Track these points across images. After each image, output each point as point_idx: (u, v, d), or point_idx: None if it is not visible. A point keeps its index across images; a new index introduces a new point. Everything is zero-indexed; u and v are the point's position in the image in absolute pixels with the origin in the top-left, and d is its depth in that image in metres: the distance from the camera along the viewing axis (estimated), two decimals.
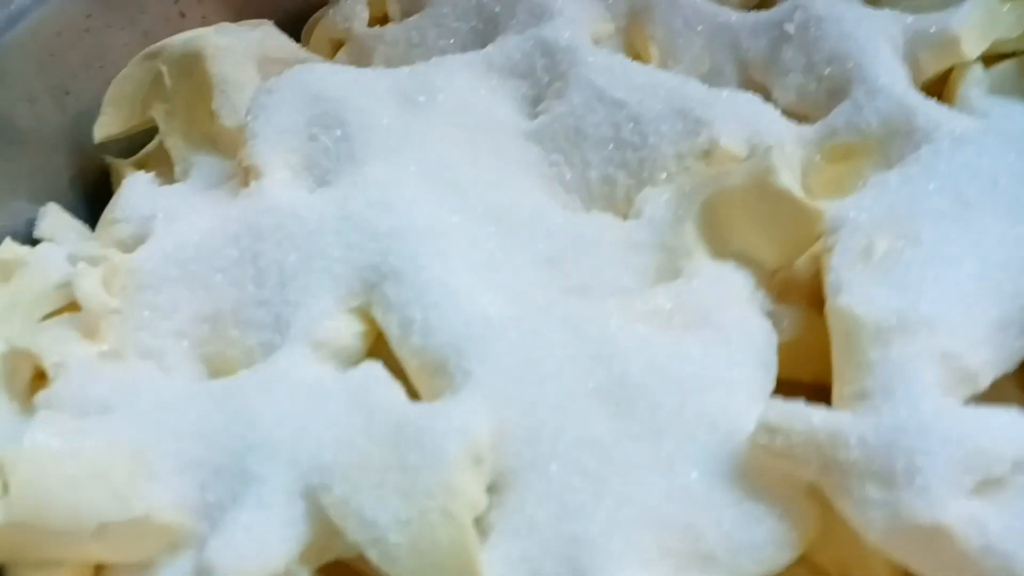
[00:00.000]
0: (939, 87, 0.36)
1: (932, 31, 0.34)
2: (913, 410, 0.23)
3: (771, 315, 0.29)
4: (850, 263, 0.27)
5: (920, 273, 0.26)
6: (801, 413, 0.24)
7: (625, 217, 0.32)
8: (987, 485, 0.22)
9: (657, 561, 0.23)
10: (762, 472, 0.24)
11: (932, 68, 0.35)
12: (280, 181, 0.30)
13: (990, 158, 0.28)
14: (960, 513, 0.21)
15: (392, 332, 0.27)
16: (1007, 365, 0.26)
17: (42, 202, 0.36)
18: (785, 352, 0.28)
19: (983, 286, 0.26)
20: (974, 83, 0.35)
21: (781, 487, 0.24)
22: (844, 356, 0.26)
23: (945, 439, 0.22)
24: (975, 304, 0.26)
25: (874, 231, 0.28)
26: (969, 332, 0.25)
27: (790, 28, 0.35)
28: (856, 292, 0.26)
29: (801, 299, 0.30)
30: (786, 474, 0.24)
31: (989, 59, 0.36)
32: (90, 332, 0.29)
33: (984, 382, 0.25)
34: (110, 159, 0.38)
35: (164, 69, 0.36)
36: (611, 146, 0.33)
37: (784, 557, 0.24)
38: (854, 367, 0.25)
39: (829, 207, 0.29)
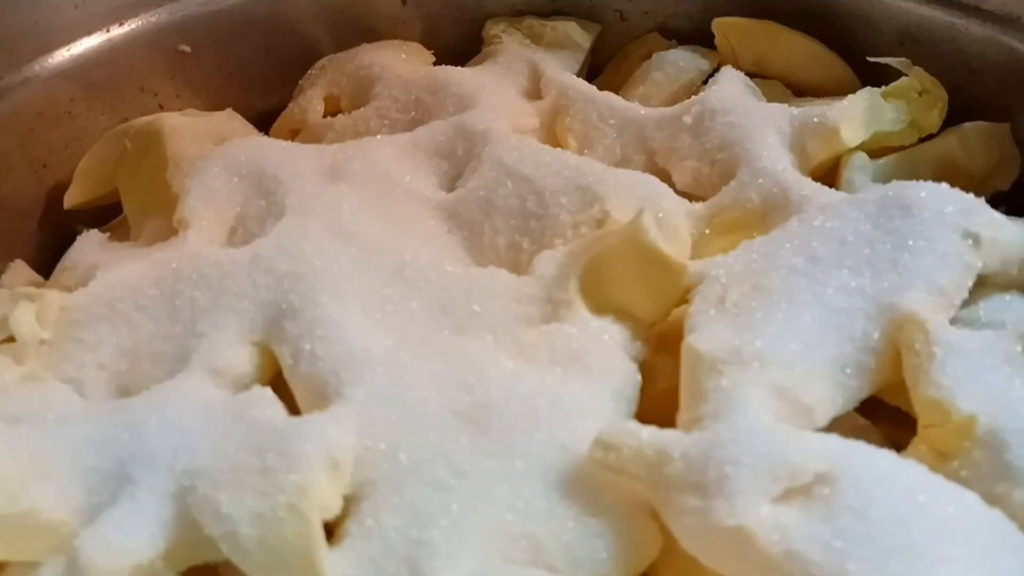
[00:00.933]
0: (832, 176, 0.39)
1: (815, 121, 0.38)
2: (731, 428, 0.25)
3: (647, 365, 0.32)
4: (704, 309, 0.30)
5: (763, 316, 0.28)
6: (632, 430, 0.25)
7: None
8: (792, 494, 0.23)
9: (497, 567, 0.25)
10: (604, 490, 0.26)
11: (818, 155, 0.38)
12: (204, 232, 0.34)
13: (842, 221, 0.31)
14: (763, 518, 0.23)
15: (285, 363, 0.30)
16: (847, 403, 0.28)
17: (12, 261, 0.40)
18: (660, 399, 0.30)
19: (823, 329, 0.28)
20: (856, 169, 0.38)
21: (622, 506, 0.26)
22: (686, 387, 0.28)
23: (753, 451, 0.24)
24: (814, 344, 0.28)
25: (729, 283, 0.30)
26: (805, 368, 0.27)
27: (688, 119, 0.39)
28: (702, 331, 0.28)
29: (676, 352, 0.32)
30: (628, 494, 0.26)
31: (879, 151, 0.40)
32: (19, 359, 0.32)
33: (821, 416, 0.27)
34: (81, 228, 0.42)
35: (128, 144, 0.40)
36: (517, 216, 0.36)
37: (622, 572, 0.25)
38: (691, 396, 0.27)
39: (694, 264, 0.32)
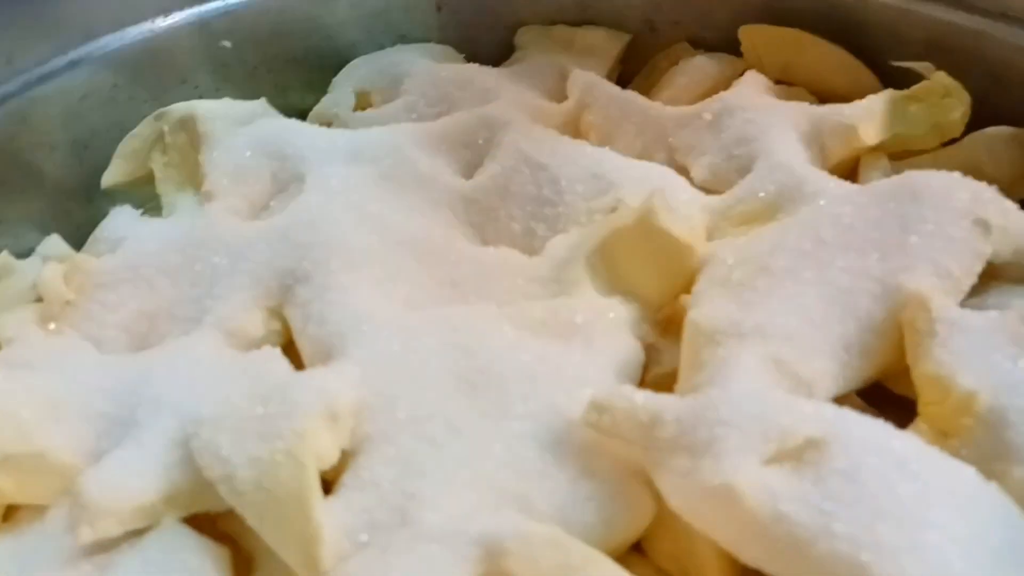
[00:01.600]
0: (852, 178, 0.39)
1: (834, 119, 0.38)
2: (724, 392, 0.25)
3: (652, 346, 0.32)
4: (708, 288, 0.30)
5: (765, 294, 0.29)
6: (626, 394, 0.26)
7: None
8: (783, 456, 0.23)
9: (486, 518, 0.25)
10: (598, 455, 0.26)
11: (836, 153, 0.38)
12: (229, 204, 0.35)
13: (852, 208, 0.31)
14: (751, 478, 0.23)
15: (296, 325, 0.31)
16: (848, 382, 0.28)
17: (49, 234, 0.41)
18: (663, 382, 0.30)
19: (826, 307, 0.28)
20: (874, 168, 0.38)
21: (616, 471, 0.26)
22: (685, 358, 0.28)
23: (745, 413, 0.24)
24: (816, 321, 0.28)
25: (735, 264, 0.30)
26: (805, 343, 0.27)
27: (707, 116, 0.39)
28: (703, 307, 0.29)
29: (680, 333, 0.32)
30: (622, 460, 0.26)
31: (901, 155, 0.40)
32: (46, 318, 0.33)
33: (821, 392, 0.27)
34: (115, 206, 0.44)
35: (165, 128, 0.42)
36: (532, 202, 0.37)
37: (613, 536, 0.25)
38: (690, 366, 0.27)
39: (703, 246, 0.32)
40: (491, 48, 0.52)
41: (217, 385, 0.28)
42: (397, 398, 0.27)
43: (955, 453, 0.25)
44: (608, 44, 0.50)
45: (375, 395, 0.27)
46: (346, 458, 0.27)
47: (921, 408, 0.27)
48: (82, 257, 0.34)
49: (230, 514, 0.26)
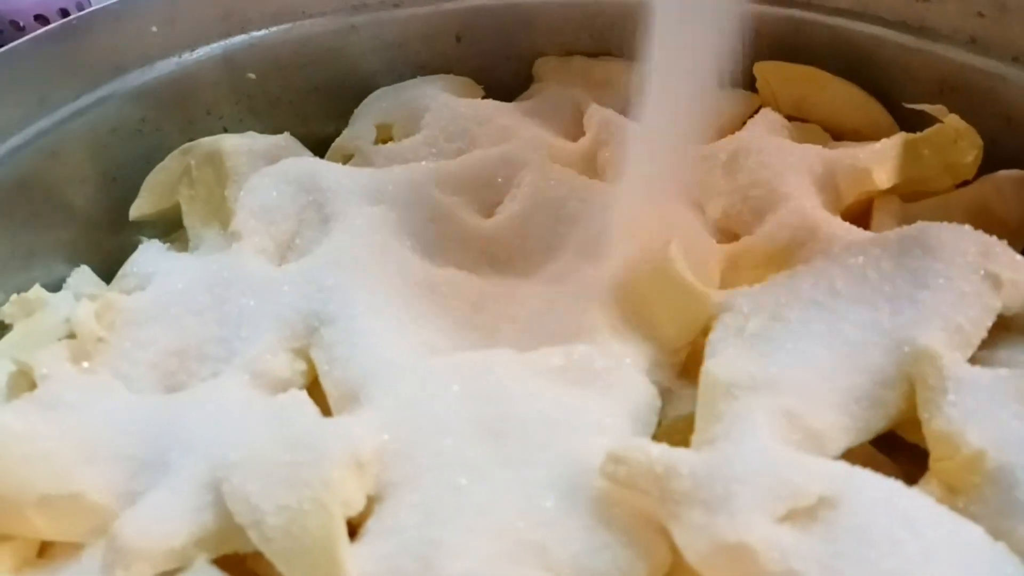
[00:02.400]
0: (865, 219, 0.40)
1: (847, 162, 0.39)
2: (739, 448, 0.25)
3: (669, 390, 0.32)
4: (724, 336, 0.31)
5: (779, 345, 0.29)
6: (643, 447, 0.26)
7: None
8: (795, 515, 0.24)
9: (504, 566, 0.26)
10: (614, 505, 0.27)
11: (849, 195, 0.39)
12: (255, 245, 0.36)
13: (864, 258, 0.32)
14: (764, 536, 0.23)
15: (321, 367, 0.32)
16: (860, 434, 0.28)
17: (79, 265, 0.42)
18: (680, 426, 0.31)
19: (838, 360, 0.29)
20: (887, 210, 0.38)
21: (632, 521, 0.27)
22: (701, 408, 0.29)
23: (759, 471, 0.24)
24: (828, 374, 0.29)
25: (750, 313, 0.31)
26: (818, 397, 0.28)
27: (723, 156, 0.40)
28: (720, 357, 0.29)
29: (698, 380, 0.33)
30: (638, 510, 0.27)
31: (914, 196, 0.40)
32: (78, 355, 0.34)
33: (833, 445, 0.28)
34: (143, 238, 0.45)
35: (192, 162, 0.43)
36: (550, 243, 0.37)
37: None
38: (705, 417, 0.28)
39: (717, 294, 0.32)
40: (509, 79, 0.52)
41: (245, 429, 0.29)
42: (420, 445, 0.28)
43: (964, 510, 0.26)
44: (626, 77, 0.50)
45: (399, 441, 0.28)
46: (371, 502, 0.28)
47: (932, 463, 0.27)
48: (114, 296, 0.35)
49: (258, 554, 0.27)
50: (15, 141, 0.39)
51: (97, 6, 0.41)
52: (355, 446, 0.27)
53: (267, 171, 0.39)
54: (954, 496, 0.26)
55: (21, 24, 0.58)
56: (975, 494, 0.26)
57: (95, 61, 0.42)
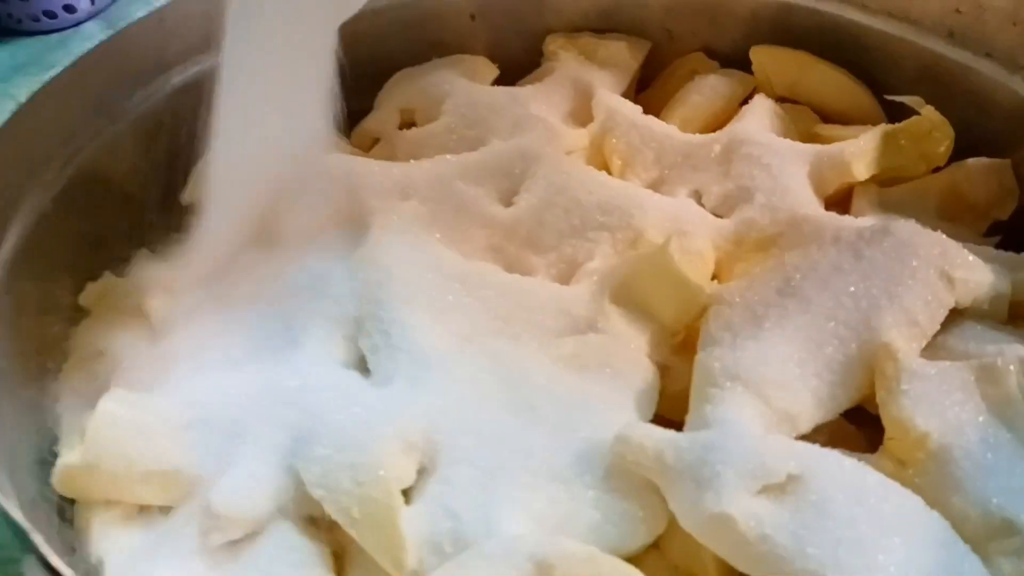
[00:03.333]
0: (846, 201, 0.44)
1: (831, 157, 0.43)
2: (722, 432, 0.31)
3: (668, 367, 0.38)
4: (714, 329, 0.36)
5: (760, 336, 0.34)
6: (646, 430, 0.32)
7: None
8: (769, 490, 0.30)
9: (541, 522, 0.31)
10: (623, 476, 0.32)
11: (831, 186, 0.43)
12: (305, 242, 0.41)
13: (837, 253, 0.37)
14: (743, 508, 0.29)
15: (367, 354, 0.37)
16: (828, 413, 0.34)
17: (138, 248, 0.47)
18: (677, 398, 0.37)
19: (810, 351, 0.34)
20: (865, 196, 0.43)
21: (637, 489, 0.32)
22: (694, 393, 0.34)
23: (738, 454, 0.30)
24: (801, 363, 0.34)
25: (736, 307, 0.36)
26: (792, 384, 0.33)
27: (717, 147, 0.44)
28: (710, 349, 0.34)
29: (693, 354, 0.38)
30: (643, 480, 0.32)
31: (891, 181, 0.45)
32: (155, 339, 0.39)
33: (805, 424, 0.33)
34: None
35: None
36: (563, 232, 0.42)
37: (637, 541, 0.32)
38: (697, 401, 0.33)
39: (711, 286, 0.37)
40: (521, 55, 0.56)
41: (314, 406, 0.34)
42: (459, 424, 0.33)
43: (910, 480, 0.31)
44: (630, 55, 0.54)
45: (441, 422, 0.33)
46: (419, 474, 0.33)
47: (885, 441, 0.33)
48: (180, 285, 0.40)
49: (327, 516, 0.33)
50: (79, 142, 0.43)
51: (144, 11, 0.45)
52: (404, 428, 0.33)
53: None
54: (903, 469, 0.32)
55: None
56: (920, 468, 0.31)
57: (144, 63, 0.46)
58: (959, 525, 0.30)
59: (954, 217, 0.44)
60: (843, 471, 0.30)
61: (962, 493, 0.30)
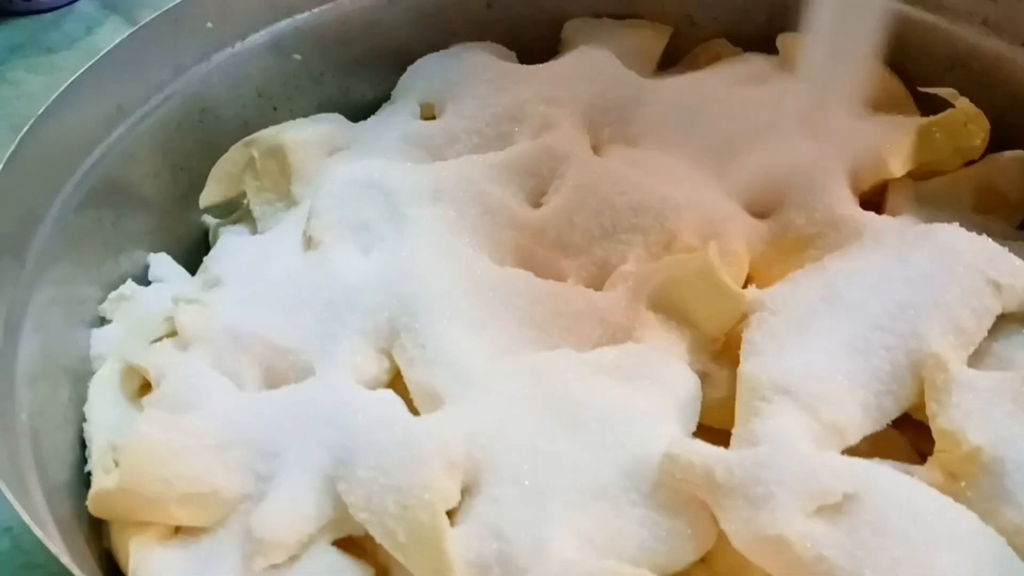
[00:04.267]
0: (880, 195, 0.44)
1: (866, 152, 0.42)
2: (775, 450, 0.31)
3: (707, 374, 0.37)
4: (757, 339, 0.35)
5: (804, 345, 0.34)
6: (695, 447, 0.31)
7: (600, 289, 0.40)
8: (823, 510, 0.29)
9: (589, 541, 0.31)
10: (672, 492, 0.32)
11: (867, 182, 0.42)
12: (334, 251, 0.40)
13: (882, 260, 0.36)
14: (799, 529, 0.29)
15: (403, 369, 0.36)
16: (876, 424, 0.33)
17: (157, 252, 0.46)
18: (718, 406, 0.36)
19: (857, 361, 0.34)
20: (901, 195, 0.42)
21: (686, 504, 0.32)
22: (739, 406, 0.33)
23: (792, 473, 0.29)
24: (849, 371, 0.33)
25: (778, 315, 0.35)
26: (839, 396, 0.33)
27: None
28: (755, 359, 0.34)
29: (732, 362, 0.37)
30: (691, 496, 0.32)
31: (925, 175, 0.44)
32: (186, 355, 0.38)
33: (853, 436, 0.33)
34: (208, 220, 0.49)
35: (256, 154, 0.46)
36: (595, 234, 0.41)
37: (684, 557, 0.31)
38: (744, 414, 0.33)
39: (751, 292, 0.37)
40: (539, 42, 0.55)
41: (351, 428, 0.33)
42: (502, 442, 0.33)
43: (962, 494, 0.31)
44: (652, 41, 0.53)
45: (483, 438, 0.33)
46: (463, 493, 0.33)
47: (936, 454, 0.32)
48: (208, 297, 0.40)
49: (368, 536, 0.33)
50: (99, 150, 0.42)
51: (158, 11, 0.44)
52: (447, 447, 0.32)
53: (334, 176, 0.42)
54: (954, 481, 0.31)
55: None
56: (972, 482, 0.31)
57: (159, 64, 0.45)
58: (1012, 538, 0.30)
59: (988, 210, 0.43)
60: (897, 487, 0.30)
61: (1015, 506, 0.30)
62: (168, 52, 0.45)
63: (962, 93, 0.44)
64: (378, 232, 0.40)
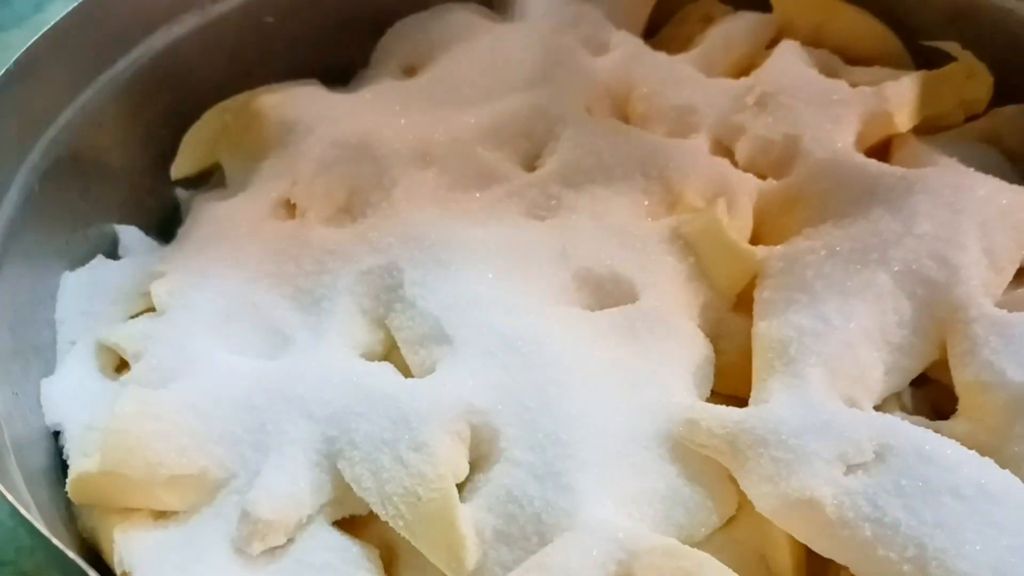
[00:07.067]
0: (884, 149, 0.42)
1: (870, 108, 0.41)
2: (798, 409, 0.29)
3: (722, 326, 0.35)
4: (772, 297, 0.34)
5: (822, 301, 0.33)
6: (713, 411, 0.30)
7: None
8: (852, 469, 0.28)
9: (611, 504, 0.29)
10: (692, 459, 0.30)
11: (872, 137, 0.41)
12: (316, 215, 0.38)
13: (899, 211, 0.35)
14: (829, 492, 0.27)
15: (400, 336, 0.34)
16: (900, 381, 0.32)
17: (127, 224, 0.43)
18: (730, 372, 0.35)
19: (877, 313, 0.32)
20: (905, 146, 0.41)
21: (706, 471, 0.30)
22: (757, 365, 0.32)
23: (819, 433, 0.28)
24: (868, 327, 0.32)
25: (793, 272, 0.34)
26: (859, 349, 0.32)
27: (750, 100, 0.42)
28: (770, 318, 0.33)
29: (745, 312, 0.35)
30: (711, 461, 0.30)
31: (928, 129, 0.43)
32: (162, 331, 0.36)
33: (874, 391, 0.31)
34: (180, 193, 0.46)
35: (229, 120, 0.43)
36: (592, 194, 0.39)
37: (706, 523, 0.30)
38: (761, 373, 0.31)
39: (762, 250, 0.35)
40: None
41: (351, 399, 0.31)
42: (510, 410, 0.31)
43: (996, 449, 0.29)
44: (640, 1, 0.51)
45: (490, 407, 0.31)
46: (472, 465, 0.31)
47: (961, 408, 0.31)
48: (183, 269, 0.37)
49: (371, 515, 0.31)
50: (66, 116, 0.39)
51: None
52: (452, 418, 0.30)
53: (314, 136, 0.40)
54: (985, 435, 0.30)
55: None
56: (1007, 433, 0.29)
57: (124, 26, 0.42)
58: None
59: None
60: (925, 443, 0.28)
61: None
62: (135, 13, 0.42)
63: (964, 46, 0.43)
64: (362, 194, 0.38)
